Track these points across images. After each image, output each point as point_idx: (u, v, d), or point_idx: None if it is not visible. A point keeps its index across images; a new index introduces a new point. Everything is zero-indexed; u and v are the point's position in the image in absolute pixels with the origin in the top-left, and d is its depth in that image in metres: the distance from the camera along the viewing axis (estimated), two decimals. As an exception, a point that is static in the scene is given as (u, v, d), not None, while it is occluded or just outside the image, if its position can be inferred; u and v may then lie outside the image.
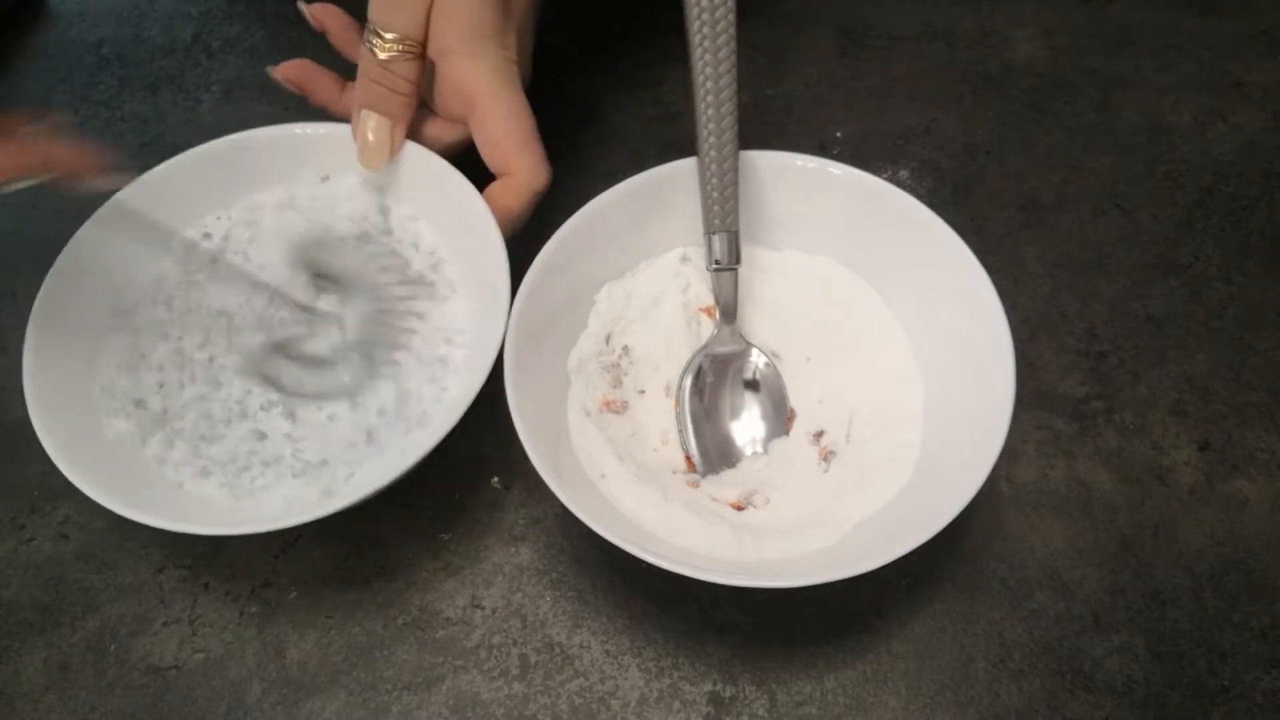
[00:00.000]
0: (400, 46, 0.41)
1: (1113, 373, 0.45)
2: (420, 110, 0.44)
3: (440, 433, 0.37)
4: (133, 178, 0.42)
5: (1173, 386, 0.44)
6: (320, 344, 0.43)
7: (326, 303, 0.44)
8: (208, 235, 0.46)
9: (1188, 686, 0.37)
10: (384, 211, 0.46)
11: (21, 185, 0.34)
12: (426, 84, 0.44)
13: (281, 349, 0.43)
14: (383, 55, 0.41)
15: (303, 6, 0.45)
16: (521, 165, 0.43)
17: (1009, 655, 0.38)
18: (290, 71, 0.45)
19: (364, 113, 0.43)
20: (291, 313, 0.44)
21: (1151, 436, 0.43)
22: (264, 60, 0.58)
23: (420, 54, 0.42)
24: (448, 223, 0.44)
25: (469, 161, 0.44)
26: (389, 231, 0.45)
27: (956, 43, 0.57)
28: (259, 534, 0.41)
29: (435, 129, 0.45)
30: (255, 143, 0.45)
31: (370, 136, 0.43)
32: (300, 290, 0.44)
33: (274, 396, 0.42)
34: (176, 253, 0.45)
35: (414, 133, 0.44)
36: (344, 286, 0.44)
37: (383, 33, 0.41)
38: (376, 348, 0.42)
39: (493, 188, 0.43)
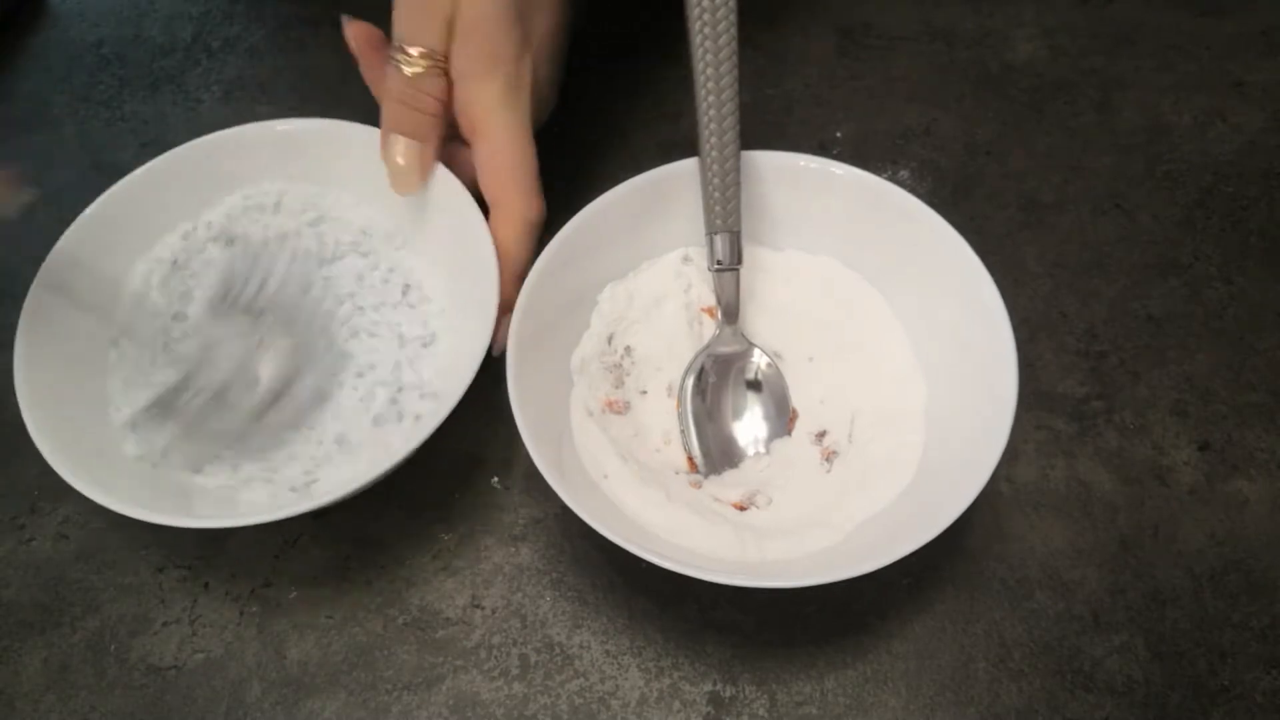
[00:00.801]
0: (426, 62, 0.40)
1: (1113, 373, 0.45)
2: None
3: (428, 429, 0.37)
4: (34, 195, 0.38)
5: (1173, 386, 0.44)
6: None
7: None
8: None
9: (1188, 686, 0.37)
10: (365, 232, 0.46)
11: None
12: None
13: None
14: (409, 71, 0.40)
15: (346, 23, 0.43)
16: (511, 193, 0.41)
17: (1009, 655, 0.38)
18: (359, 31, 0.43)
19: (392, 136, 0.41)
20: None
21: (1151, 436, 0.43)
22: (264, 60, 0.58)
23: (446, 70, 0.40)
24: (427, 224, 0.44)
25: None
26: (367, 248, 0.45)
27: (956, 43, 0.57)
28: (257, 533, 0.41)
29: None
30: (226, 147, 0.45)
31: (400, 160, 0.41)
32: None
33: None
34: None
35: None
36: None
37: (408, 48, 0.40)
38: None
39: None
